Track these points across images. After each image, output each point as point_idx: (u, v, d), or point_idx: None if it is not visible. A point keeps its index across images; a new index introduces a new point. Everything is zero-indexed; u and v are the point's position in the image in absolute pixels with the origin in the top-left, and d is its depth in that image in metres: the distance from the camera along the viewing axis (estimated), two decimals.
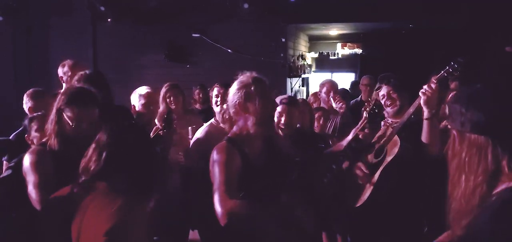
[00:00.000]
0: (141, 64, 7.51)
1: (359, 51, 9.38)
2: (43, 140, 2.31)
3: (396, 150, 2.55)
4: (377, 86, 3.78)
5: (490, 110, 1.21)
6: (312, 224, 2.28)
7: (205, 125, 3.28)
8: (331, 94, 4.17)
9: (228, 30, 7.25)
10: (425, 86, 2.51)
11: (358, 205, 2.60)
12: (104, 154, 1.74)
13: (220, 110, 3.10)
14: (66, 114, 2.20)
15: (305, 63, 8.51)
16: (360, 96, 5.38)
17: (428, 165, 2.62)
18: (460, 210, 1.24)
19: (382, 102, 2.90)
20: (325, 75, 8.55)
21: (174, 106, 3.75)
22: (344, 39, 9.61)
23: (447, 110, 1.35)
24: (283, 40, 7.29)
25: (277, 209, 2.14)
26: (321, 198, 2.73)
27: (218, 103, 3.16)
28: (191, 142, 3.22)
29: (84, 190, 1.75)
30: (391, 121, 2.88)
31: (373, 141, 2.80)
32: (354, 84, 7.19)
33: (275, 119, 2.90)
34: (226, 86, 3.03)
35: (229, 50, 7.21)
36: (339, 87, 4.74)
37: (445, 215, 1.31)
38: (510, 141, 1.19)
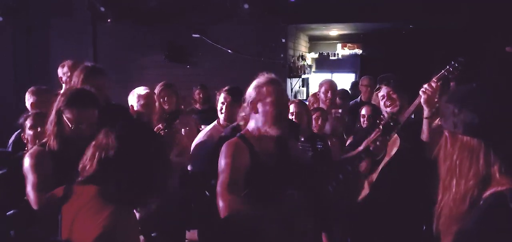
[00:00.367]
0: (141, 65, 7.51)
1: (359, 51, 9.38)
2: (43, 140, 2.32)
3: (395, 149, 2.55)
4: (376, 87, 3.77)
5: (484, 112, 1.13)
6: (312, 224, 2.29)
7: (208, 127, 3.27)
8: (330, 96, 4.20)
9: (228, 31, 7.24)
10: (425, 85, 2.52)
11: (359, 199, 2.60)
12: (97, 156, 1.64)
13: (224, 118, 3.11)
14: (66, 116, 2.21)
15: (305, 64, 8.51)
16: (359, 97, 5.37)
17: (427, 164, 2.61)
18: (450, 216, 1.18)
19: (382, 102, 2.90)
20: (325, 76, 8.53)
21: (167, 107, 3.71)
22: (344, 39, 9.61)
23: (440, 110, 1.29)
24: (283, 40, 7.29)
25: (278, 209, 2.14)
26: (322, 201, 2.73)
27: (223, 111, 3.15)
28: (193, 143, 3.21)
29: (69, 192, 1.65)
30: None
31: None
32: (354, 85, 7.18)
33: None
34: (233, 95, 3.05)
35: (229, 51, 7.20)
36: (339, 88, 4.75)
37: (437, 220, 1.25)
38: (503, 145, 1.12)
